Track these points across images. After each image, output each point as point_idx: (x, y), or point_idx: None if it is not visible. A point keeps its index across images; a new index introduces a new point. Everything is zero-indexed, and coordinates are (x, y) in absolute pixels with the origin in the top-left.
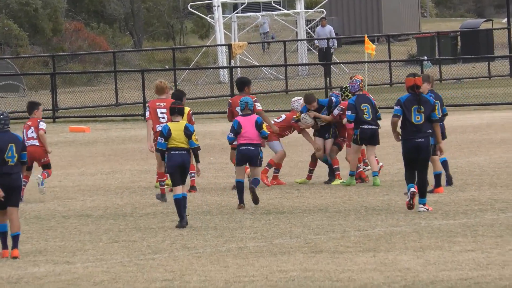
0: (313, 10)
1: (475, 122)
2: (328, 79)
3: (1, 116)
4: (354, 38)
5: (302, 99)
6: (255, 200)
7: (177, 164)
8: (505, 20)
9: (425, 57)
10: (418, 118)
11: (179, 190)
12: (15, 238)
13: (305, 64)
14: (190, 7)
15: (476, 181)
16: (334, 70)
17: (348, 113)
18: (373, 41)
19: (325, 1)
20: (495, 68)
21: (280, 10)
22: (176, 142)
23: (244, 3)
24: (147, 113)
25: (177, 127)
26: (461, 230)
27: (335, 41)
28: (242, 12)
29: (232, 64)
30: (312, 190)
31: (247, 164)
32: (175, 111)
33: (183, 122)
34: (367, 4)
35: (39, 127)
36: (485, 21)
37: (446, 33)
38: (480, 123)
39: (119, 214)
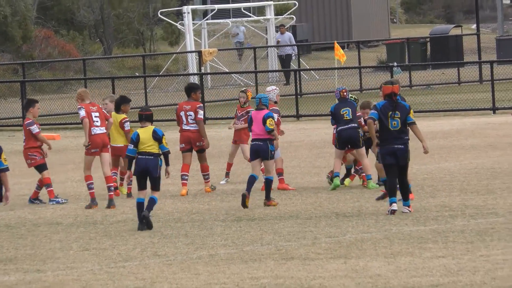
0: (283, 16)
1: (445, 128)
2: (298, 85)
3: None
4: (324, 44)
5: (277, 89)
6: (243, 204)
7: (140, 169)
8: (474, 26)
9: (395, 63)
10: (394, 123)
11: (142, 194)
12: None
13: (275, 71)
14: (160, 14)
15: (447, 187)
16: (304, 77)
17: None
18: (343, 47)
19: (295, 7)
20: (465, 74)
21: (250, 16)
22: (144, 147)
23: (214, 9)
24: (83, 112)
25: (145, 132)
26: (431, 236)
27: (295, 48)
28: (212, 19)
29: (202, 71)
30: (283, 196)
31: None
32: (143, 118)
33: (151, 127)
34: (336, 11)
35: (33, 132)
36: (454, 27)
37: (415, 39)
38: (450, 129)
39: (89, 222)
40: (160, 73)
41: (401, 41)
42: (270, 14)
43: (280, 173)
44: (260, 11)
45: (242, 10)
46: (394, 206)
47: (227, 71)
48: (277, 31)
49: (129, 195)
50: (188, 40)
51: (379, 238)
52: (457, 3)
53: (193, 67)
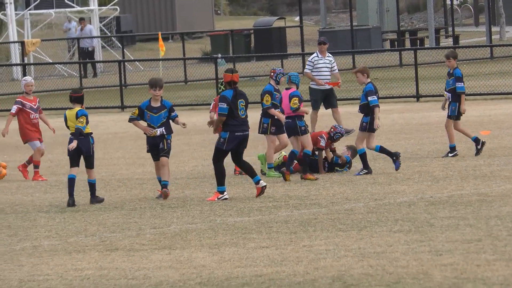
0: (107, 7)
1: None
2: (123, 76)
3: None
4: (148, 36)
5: (28, 79)
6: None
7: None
8: (297, 18)
9: (219, 55)
10: (242, 112)
11: (74, 171)
12: None
13: (100, 62)
14: None
15: (270, 178)
16: (128, 68)
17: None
18: (167, 39)
19: None
20: (288, 66)
21: (73, 7)
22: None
23: (37, 0)
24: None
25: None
26: (255, 227)
27: (98, 41)
28: (35, 9)
29: (26, 61)
30: (108, 187)
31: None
32: (72, 99)
33: (76, 108)
34: (160, 2)
35: None
36: (278, 19)
37: (239, 31)
38: None
39: None
40: None
41: (225, 32)
42: (93, 5)
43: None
44: (84, 1)
45: (66, 1)
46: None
47: (51, 61)
48: (101, 21)
49: None
50: (10, 31)
51: (204, 229)
52: None
53: (16, 58)
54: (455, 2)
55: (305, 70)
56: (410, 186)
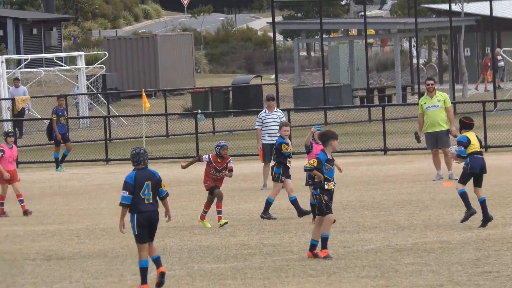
0: (94, 66)
1: (245, 171)
2: (108, 131)
3: (141, 151)
4: (132, 93)
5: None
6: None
7: None
8: (273, 76)
9: (199, 111)
10: None
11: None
12: (157, 260)
13: (86, 117)
14: None
15: (246, 226)
16: (113, 123)
17: None
18: (150, 96)
19: (105, 58)
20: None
21: (62, 66)
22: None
23: (27, 59)
24: None
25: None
26: (231, 273)
27: (29, 102)
28: (25, 68)
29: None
30: (92, 236)
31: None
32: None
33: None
34: (144, 61)
35: None
36: (255, 77)
37: (218, 88)
38: (250, 172)
39: None
40: None
41: (205, 90)
42: (81, 64)
43: None
44: (71, 60)
45: (54, 59)
46: None
47: (40, 117)
48: (88, 79)
49: None
50: (1, 88)
51: (182, 275)
52: (258, 55)
53: (6, 114)
54: (420, 62)
55: (255, 127)
56: (377, 234)
